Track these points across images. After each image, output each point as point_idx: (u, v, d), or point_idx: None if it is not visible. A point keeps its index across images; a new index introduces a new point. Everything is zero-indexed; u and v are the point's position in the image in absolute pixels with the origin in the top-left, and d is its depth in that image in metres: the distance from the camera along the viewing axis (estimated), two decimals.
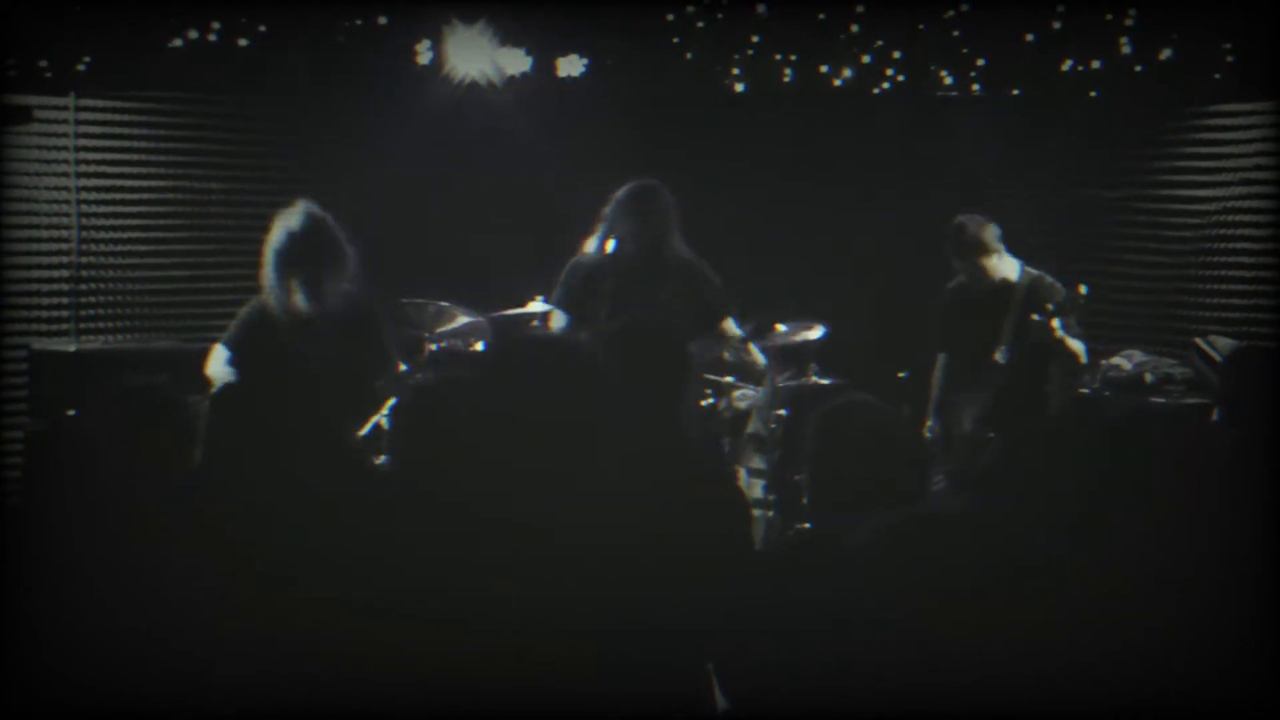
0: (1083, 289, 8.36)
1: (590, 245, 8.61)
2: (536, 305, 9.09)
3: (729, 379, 9.25)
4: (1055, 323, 8.34)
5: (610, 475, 4.73)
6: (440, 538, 4.33)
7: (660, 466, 4.96)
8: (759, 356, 8.76)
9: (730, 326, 8.67)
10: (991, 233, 8.72)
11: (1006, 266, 8.75)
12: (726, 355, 8.81)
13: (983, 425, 8.55)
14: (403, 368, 8.44)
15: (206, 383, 7.84)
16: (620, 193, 8.49)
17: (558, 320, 8.62)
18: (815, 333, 9.39)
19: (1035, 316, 8.40)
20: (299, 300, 8.01)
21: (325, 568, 4.32)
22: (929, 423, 8.87)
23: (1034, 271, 8.76)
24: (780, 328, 9.01)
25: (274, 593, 4.35)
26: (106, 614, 4.55)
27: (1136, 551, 4.33)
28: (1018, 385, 8.53)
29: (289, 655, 4.23)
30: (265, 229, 8.22)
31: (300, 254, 8.02)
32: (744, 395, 9.18)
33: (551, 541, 4.35)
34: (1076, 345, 8.49)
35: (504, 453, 4.51)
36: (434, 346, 8.88)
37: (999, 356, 8.61)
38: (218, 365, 8.10)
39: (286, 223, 8.06)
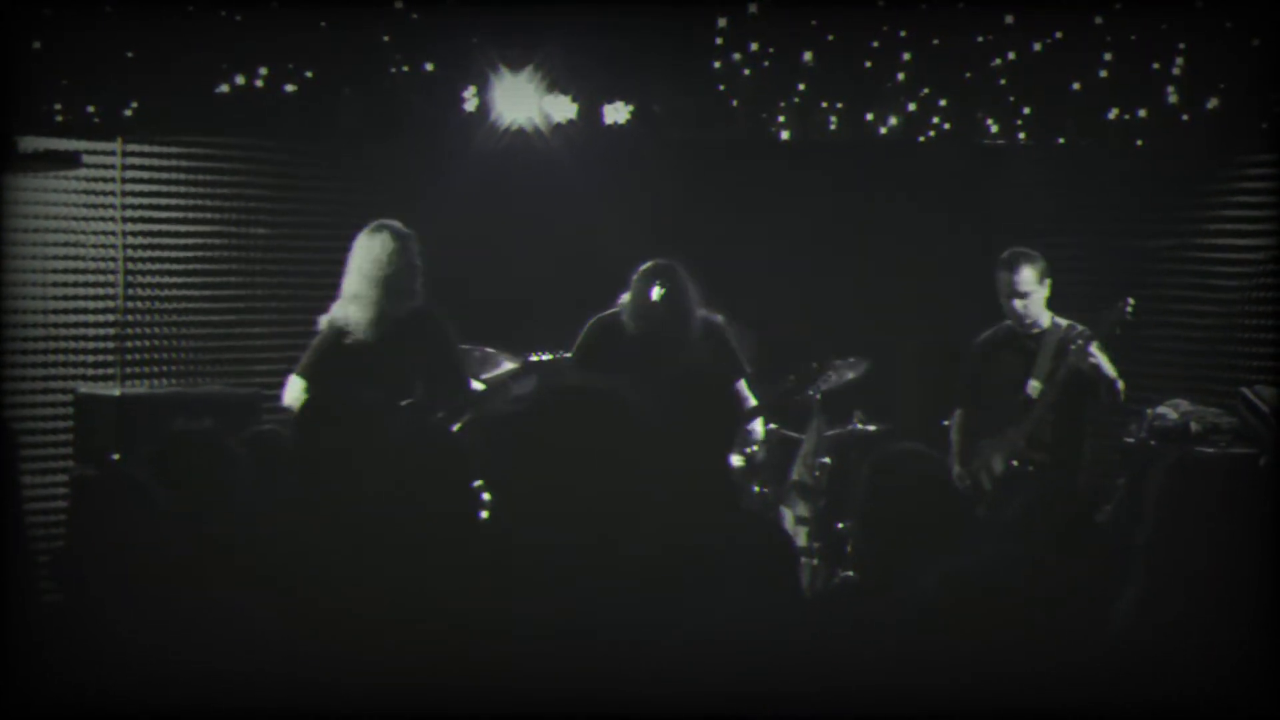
0: (1131, 302, 8.31)
1: (611, 309, 8.59)
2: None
3: (771, 425, 9.23)
4: (1091, 347, 8.30)
5: (656, 516, 4.73)
6: (499, 565, 4.35)
7: (706, 509, 4.95)
8: (758, 429, 8.69)
9: (742, 389, 8.59)
10: (1040, 271, 8.58)
11: (1043, 313, 8.63)
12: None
13: (1015, 460, 8.50)
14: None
15: (288, 412, 7.98)
16: (637, 270, 8.47)
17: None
18: (857, 371, 9.42)
19: (1071, 346, 8.33)
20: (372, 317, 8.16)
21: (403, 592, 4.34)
22: (955, 471, 8.77)
23: (1064, 322, 8.65)
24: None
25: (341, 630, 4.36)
26: (151, 660, 4.54)
27: (1179, 596, 4.32)
28: (1052, 423, 8.48)
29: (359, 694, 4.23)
30: (310, 274, 8.30)
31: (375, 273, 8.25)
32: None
33: (592, 580, 4.36)
34: (1116, 376, 8.40)
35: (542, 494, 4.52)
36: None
37: (1031, 393, 8.54)
38: (294, 392, 8.23)
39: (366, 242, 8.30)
